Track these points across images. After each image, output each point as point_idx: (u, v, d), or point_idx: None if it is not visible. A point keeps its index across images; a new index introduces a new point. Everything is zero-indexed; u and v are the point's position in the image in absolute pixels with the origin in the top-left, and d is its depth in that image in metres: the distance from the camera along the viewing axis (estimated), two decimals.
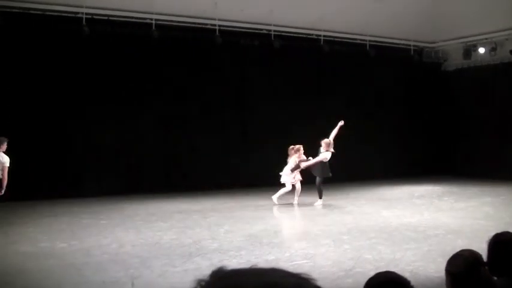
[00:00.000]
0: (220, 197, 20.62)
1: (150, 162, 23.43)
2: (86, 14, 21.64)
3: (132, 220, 16.92)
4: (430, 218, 16.95)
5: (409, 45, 29.69)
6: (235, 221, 16.88)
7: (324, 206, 19.89)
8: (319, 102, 26.46)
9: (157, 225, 16.01)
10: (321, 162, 19.96)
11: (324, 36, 26.55)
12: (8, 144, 16.15)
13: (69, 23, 21.42)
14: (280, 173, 20.07)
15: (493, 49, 27.82)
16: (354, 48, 27.81)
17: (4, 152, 16.10)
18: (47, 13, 21.19)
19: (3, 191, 15.94)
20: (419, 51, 30.81)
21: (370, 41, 27.93)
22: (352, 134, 22.88)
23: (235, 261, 11.44)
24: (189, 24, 23.74)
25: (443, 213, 17.97)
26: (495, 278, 4.36)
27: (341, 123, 20.15)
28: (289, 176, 19.98)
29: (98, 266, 11.32)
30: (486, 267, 4.23)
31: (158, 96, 23.54)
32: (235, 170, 23.04)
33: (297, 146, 20.02)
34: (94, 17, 21.98)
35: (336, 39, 27.16)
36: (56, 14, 21.33)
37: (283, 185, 20.00)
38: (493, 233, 4.90)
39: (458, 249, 4.39)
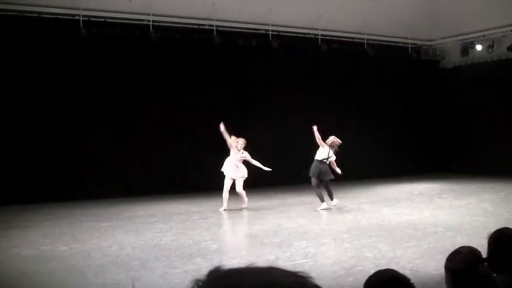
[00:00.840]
0: (219, 197, 20.60)
1: (150, 164, 23.42)
2: (83, 16, 21.67)
3: (132, 222, 16.93)
4: (430, 216, 16.96)
5: (407, 43, 29.74)
6: (235, 221, 16.92)
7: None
8: (318, 102, 26.46)
9: (157, 227, 16.02)
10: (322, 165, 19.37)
11: (322, 35, 26.61)
12: None
13: (66, 25, 21.44)
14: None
15: (491, 46, 27.86)
16: (352, 47, 27.87)
17: None
18: (43, 16, 21.21)
19: None
20: (417, 49, 30.86)
21: (368, 39, 27.99)
22: (351, 132, 22.90)
23: (236, 262, 11.43)
24: (186, 25, 23.79)
25: (443, 210, 17.99)
26: (495, 274, 4.37)
27: (314, 128, 19.34)
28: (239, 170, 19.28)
29: (99, 268, 11.33)
30: (485, 264, 4.24)
31: (157, 97, 23.53)
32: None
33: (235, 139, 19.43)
34: (91, 19, 22.01)
35: (333, 38, 27.23)
36: (52, 16, 21.36)
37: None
38: (492, 230, 4.90)
39: (457, 246, 4.40)
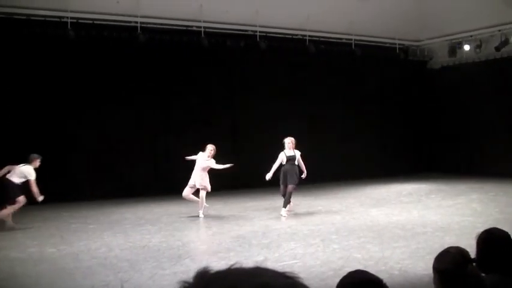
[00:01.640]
0: (208, 199, 20.57)
1: (138, 166, 23.38)
2: (71, 18, 21.61)
3: (121, 224, 16.92)
4: (418, 216, 17.01)
5: (395, 44, 29.78)
6: (224, 222, 16.90)
7: (312, 206, 19.91)
8: (306, 102, 26.49)
9: (145, 229, 16.01)
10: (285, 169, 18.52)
11: (310, 36, 26.59)
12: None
13: (54, 27, 21.39)
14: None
15: (478, 46, 27.94)
16: (339, 47, 27.88)
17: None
18: (32, 18, 21.15)
19: (40, 198, 16.98)
20: (405, 49, 30.93)
21: (355, 40, 28.00)
22: (339, 133, 22.94)
23: (224, 263, 11.36)
24: (174, 27, 23.78)
25: (431, 210, 18.03)
26: (483, 274, 4.37)
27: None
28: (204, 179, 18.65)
29: (88, 270, 11.32)
30: (474, 264, 4.24)
31: (145, 99, 23.51)
32: (224, 172, 22.98)
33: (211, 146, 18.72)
34: (79, 21, 21.95)
35: (321, 39, 27.24)
36: (41, 18, 21.30)
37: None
38: (481, 230, 4.91)
39: (446, 247, 4.40)
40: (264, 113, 25.46)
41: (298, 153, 18.52)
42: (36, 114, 21.42)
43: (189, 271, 10.66)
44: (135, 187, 22.96)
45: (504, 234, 4.77)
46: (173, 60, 24.09)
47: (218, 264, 10.53)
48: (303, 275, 1.43)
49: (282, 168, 18.39)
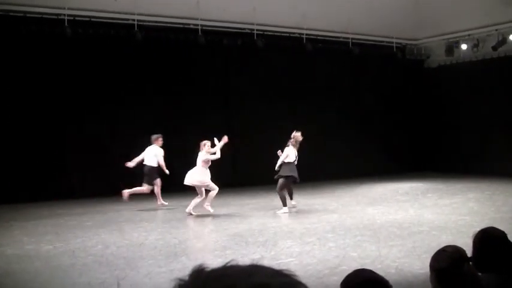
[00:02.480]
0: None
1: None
2: (68, 15, 21.57)
3: (117, 221, 16.92)
4: (415, 215, 17.01)
5: (392, 43, 29.77)
6: (220, 220, 16.89)
7: (309, 204, 19.90)
8: (303, 101, 26.49)
9: (142, 226, 16.01)
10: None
11: (307, 34, 26.60)
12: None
13: (51, 25, 21.35)
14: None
15: (475, 45, 27.95)
16: (337, 46, 27.87)
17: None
18: (29, 15, 21.11)
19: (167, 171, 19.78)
20: (402, 48, 30.91)
21: (353, 39, 28.00)
22: (336, 131, 22.94)
23: (221, 261, 11.35)
24: (171, 25, 23.76)
25: (428, 209, 18.03)
26: (480, 273, 4.37)
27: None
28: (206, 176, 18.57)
29: (84, 267, 11.30)
30: (470, 263, 4.24)
31: (142, 97, 23.49)
32: (220, 170, 22.95)
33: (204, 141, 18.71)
34: (76, 18, 21.92)
35: (318, 37, 27.23)
36: (37, 16, 21.26)
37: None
38: (477, 229, 4.92)
39: (443, 245, 4.40)
40: (260, 111, 25.45)
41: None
42: (32, 112, 21.39)
43: (185, 269, 10.58)
44: (132, 185, 22.92)
45: (500, 233, 4.78)
46: (170, 58, 24.08)
47: (214, 262, 10.54)
48: (299, 273, 1.42)
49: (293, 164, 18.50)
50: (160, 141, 20.02)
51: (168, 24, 23.73)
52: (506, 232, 4.82)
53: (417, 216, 16.80)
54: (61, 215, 18.06)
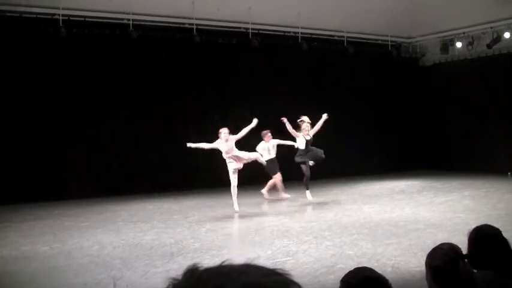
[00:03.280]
0: (200, 196, 20.60)
1: (130, 163, 23.34)
2: (63, 15, 21.55)
3: (113, 221, 16.90)
4: (411, 213, 17.02)
5: (387, 41, 29.82)
6: (216, 220, 16.88)
7: (305, 203, 19.94)
8: (298, 100, 26.47)
9: (138, 226, 16.00)
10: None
11: (302, 33, 26.61)
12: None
13: (46, 24, 21.33)
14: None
15: (470, 43, 27.97)
16: (332, 45, 27.90)
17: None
18: (24, 15, 21.10)
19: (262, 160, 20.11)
20: (397, 46, 30.92)
21: (348, 37, 28.03)
22: (331, 130, 22.87)
23: (217, 260, 11.27)
24: (166, 24, 23.76)
25: (424, 207, 18.05)
26: (475, 270, 4.39)
27: (284, 120, 19.90)
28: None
29: (80, 268, 11.30)
30: (466, 260, 4.26)
31: (137, 96, 23.47)
32: (216, 169, 22.95)
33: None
34: (71, 18, 21.90)
35: (313, 36, 27.25)
36: (32, 16, 21.24)
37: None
38: (473, 226, 4.93)
39: (438, 243, 4.42)
40: (256, 110, 25.43)
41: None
42: (28, 112, 21.37)
43: (181, 269, 10.35)
44: (128, 185, 22.91)
45: (496, 230, 4.80)
46: (165, 57, 24.05)
47: (211, 261, 10.53)
48: (296, 272, 1.43)
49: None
50: (268, 137, 20.99)
51: (163, 24, 23.73)
52: (501, 229, 4.84)
53: (413, 214, 16.81)
54: (57, 216, 18.05)
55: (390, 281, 3.57)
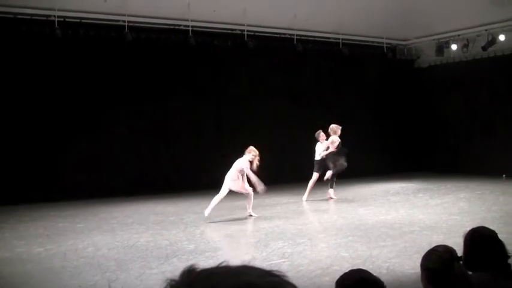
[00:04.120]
0: (196, 198, 20.59)
1: (125, 165, 23.31)
2: (58, 17, 21.52)
3: (108, 223, 16.88)
4: (406, 215, 17.04)
5: (382, 43, 29.83)
6: (211, 221, 16.87)
7: (300, 205, 20.01)
8: (294, 102, 26.50)
9: (133, 228, 15.99)
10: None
11: (297, 35, 26.62)
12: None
13: (41, 26, 21.30)
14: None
15: (465, 46, 28.03)
16: (327, 47, 27.90)
17: None
18: (19, 16, 21.06)
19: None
20: (393, 48, 30.97)
21: (343, 39, 28.03)
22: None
23: (212, 262, 11.37)
24: (162, 26, 23.73)
25: (419, 209, 18.07)
26: (470, 272, 4.39)
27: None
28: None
29: (75, 270, 11.29)
30: (461, 262, 4.26)
31: (132, 98, 23.43)
32: (212, 171, 22.98)
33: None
34: (66, 19, 21.86)
35: (309, 38, 27.26)
36: (27, 17, 21.21)
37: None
38: (468, 228, 4.94)
39: (433, 245, 4.42)
40: (251, 112, 25.45)
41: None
42: (23, 113, 21.33)
43: (176, 270, 10.42)
44: (123, 186, 22.88)
45: (491, 232, 4.80)
46: (160, 59, 24.04)
47: (206, 263, 10.52)
48: (291, 274, 1.43)
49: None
50: (322, 137, 21.78)
51: (159, 26, 23.70)
52: (496, 231, 4.85)
53: (408, 216, 16.83)
54: (52, 217, 18.03)
55: (385, 283, 3.57)
